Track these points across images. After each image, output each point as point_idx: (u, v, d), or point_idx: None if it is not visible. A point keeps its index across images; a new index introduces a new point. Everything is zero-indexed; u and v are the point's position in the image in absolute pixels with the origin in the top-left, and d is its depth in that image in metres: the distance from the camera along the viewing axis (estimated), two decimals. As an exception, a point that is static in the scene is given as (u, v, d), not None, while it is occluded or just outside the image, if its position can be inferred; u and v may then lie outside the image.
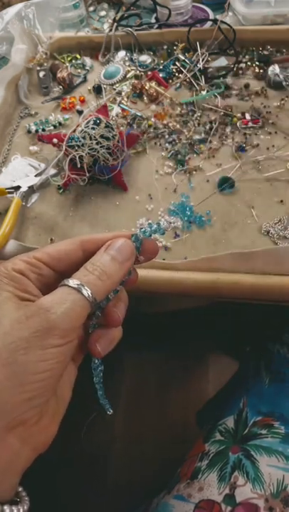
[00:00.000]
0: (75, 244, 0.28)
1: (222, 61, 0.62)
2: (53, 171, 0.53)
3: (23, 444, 0.23)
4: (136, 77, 0.63)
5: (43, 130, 0.59)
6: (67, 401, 0.27)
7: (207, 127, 0.56)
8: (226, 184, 0.49)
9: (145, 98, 0.61)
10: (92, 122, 0.50)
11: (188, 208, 0.48)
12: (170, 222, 0.31)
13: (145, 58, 0.65)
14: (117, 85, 0.63)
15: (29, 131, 0.59)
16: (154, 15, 0.70)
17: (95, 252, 0.28)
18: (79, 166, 0.49)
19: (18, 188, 0.51)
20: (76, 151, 0.49)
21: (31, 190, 0.52)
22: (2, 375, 0.22)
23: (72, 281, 0.25)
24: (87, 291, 0.24)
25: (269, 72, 0.60)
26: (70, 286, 0.24)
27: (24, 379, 0.22)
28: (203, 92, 0.59)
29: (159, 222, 0.30)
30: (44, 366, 0.23)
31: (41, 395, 0.23)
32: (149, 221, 0.31)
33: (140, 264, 0.43)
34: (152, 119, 0.57)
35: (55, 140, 0.52)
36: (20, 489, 0.24)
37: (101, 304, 0.28)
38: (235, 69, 0.61)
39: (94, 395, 0.30)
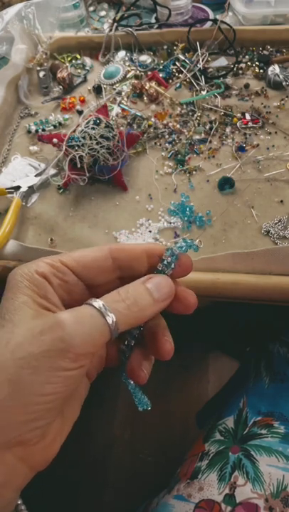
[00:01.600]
0: (103, 251, 0.26)
1: (222, 61, 0.62)
2: (53, 171, 0.53)
3: (21, 463, 0.22)
4: (136, 77, 0.63)
5: (43, 130, 0.59)
6: (73, 420, 0.26)
7: (207, 127, 0.56)
8: (226, 184, 0.49)
9: (145, 98, 0.61)
10: (92, 122, 0.50)
11: (188, 208, 0.48)
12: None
13: (145, 58, 0.65)
14: (117, 85, 0.63)
15: (29, 131, 0.59)
16: (154, 15, 0.70)
17: (126, 263, 0.26)
18: (79, 166, 0.49)
19: (18, 188, 0.51)
20: (76, 151, 0.49)
21: (31, 190, 0.52)
22: (5, 391, 0.20)
23: (98, 303, 0.22)
24: (111, 318, 0.22)
25: (269, 72, 0.60)
26: (94, 308, 0.22)
27: (28, 400, 0.21)
28: (203, 92, 0.59)
29: (193, 240, 0.28)
30: (51, 389, 0.21)
31: (44, 417, 0.22)
32: (185, 238, 0.28)
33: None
34: (152, 119, 0.57)
35: (55, 140, 0.52)
36: (19, 502, 0.24)
37: (135, 331, 0.27)
38: (235, 69, 0.61)
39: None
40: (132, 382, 0.28)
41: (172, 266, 0.26)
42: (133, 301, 0.23)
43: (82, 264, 0.25)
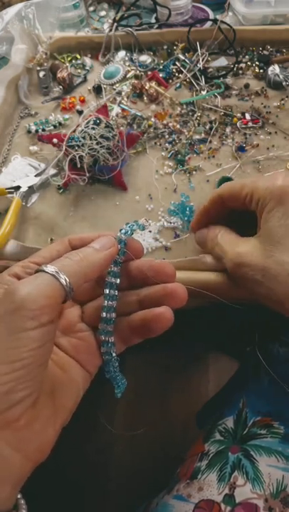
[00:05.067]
0: (64, 243, 0.30)
1: (222, 61, 0.62)
2: (53, 171, 0.53)
3: (14, 451, 0.22)
4: (136, 77, 0.63)
5: (43, 130, 0.59)
6: (69, 408, 0.26)
7: (207, 127, 0.56)
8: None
9: (145, 98, 0.61)
10: (92, 122, 0.50)
11: (188, 208, 0.48)
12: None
13: (145, 58, 0.65)
14: (117, 85, 0.63)
15: (29, 131, 0.59)
16: (154, 15, 0.70)
17: None
18: (79, 166, 0.49)
19: (18, 188, 0.51)
20: (76, 151, 0.49)
21: (31, 190, 0.52)
22: None
23: (44, 266, 0.25)
24: (54, 269, 0.24)
25: (269, 72, 0.60)
26: (42, 270, 0.25)
27: None
28: (203, 92, 0.59)
29: (137, 221, 0.32)
30: (16, 355, 0.21)
31: (19, 388, 0.21)
32: (129, 222, 0.32)
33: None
34: (152, 119, 0.57)
35: (55, 140, 0.52)
36: (18, 496, 0.23)
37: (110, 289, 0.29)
38: (235, 69, 0.61)
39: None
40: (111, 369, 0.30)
41: (123, 251, 0.30)
42: (74, 253, 0.26)
43: (47, 258, 0.28)
